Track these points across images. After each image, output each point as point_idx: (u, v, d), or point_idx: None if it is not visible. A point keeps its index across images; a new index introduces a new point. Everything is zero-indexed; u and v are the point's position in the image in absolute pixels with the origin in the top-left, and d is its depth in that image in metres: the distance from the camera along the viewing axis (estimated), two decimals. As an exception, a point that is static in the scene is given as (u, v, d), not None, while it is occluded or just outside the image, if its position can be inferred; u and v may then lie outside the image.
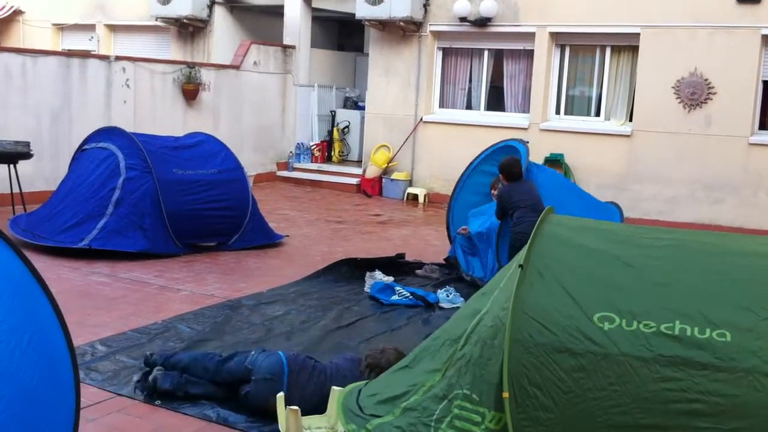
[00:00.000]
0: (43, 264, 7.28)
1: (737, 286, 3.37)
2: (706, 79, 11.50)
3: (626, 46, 12.40)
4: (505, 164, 7.44)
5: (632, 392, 3.15)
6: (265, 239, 9.27)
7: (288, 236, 9.65)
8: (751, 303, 3.26)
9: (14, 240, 7.14)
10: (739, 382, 3.08)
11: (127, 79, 12.32)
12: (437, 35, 13.82)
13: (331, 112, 15.86)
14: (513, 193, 7.22)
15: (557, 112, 13.01)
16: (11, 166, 9.56)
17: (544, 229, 3.76)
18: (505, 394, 3.29)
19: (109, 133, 8.96)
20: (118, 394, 4.74)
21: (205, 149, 9.24)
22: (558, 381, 3.24)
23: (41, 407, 3.27)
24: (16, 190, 9.56)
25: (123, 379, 4.97)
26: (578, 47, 12.88)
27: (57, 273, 7.36)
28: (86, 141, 8.99)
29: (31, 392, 3.20)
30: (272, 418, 4.29)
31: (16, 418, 3.08)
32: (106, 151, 8.63)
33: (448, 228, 8.59)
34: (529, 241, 3.64)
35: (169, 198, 8.40)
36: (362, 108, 15.26)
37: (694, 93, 11.59)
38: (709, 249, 3.67)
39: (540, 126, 12.76)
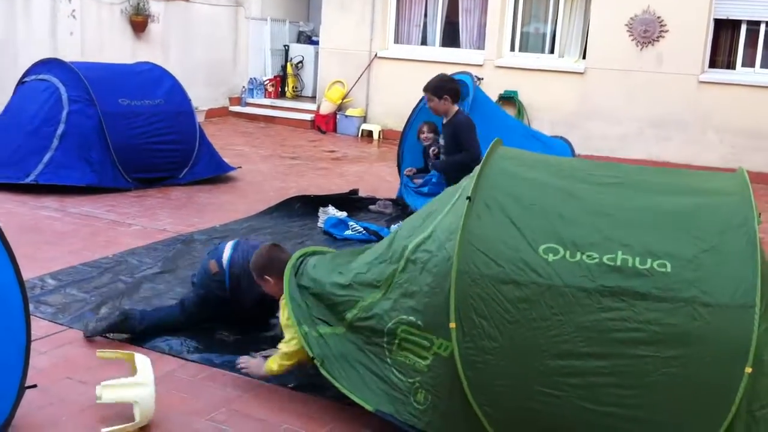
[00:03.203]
0: (-11, 199, 7.17)
1: (679, 218, 3.45)
2: (658, 17, 11.56)
3: (581, -18, 12.38)
4: (447, 81, 6.53)
5: (574, 322, 3.24)
6: (216, 170, 9.20)
7: (240, 167, 9.59)
8: (691, 234, 3.35)
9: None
10: (677, 311, 3.18)
11: (73, 10, 11.95)
12: (392, -32, 13.62)
13: (284, 46, 15.60)
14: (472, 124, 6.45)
15: (512, 49, 12.99)
16: (-47, 98, 9.30)
17: (492, 161, 3.79)
18: (452, 325, 3.36)
19: (48, 64, 8.71)
20: (70, 327, 4.75)
21: (150, 77, 9.07)
22: (503, 312, 3.31)
23: (-9, 340, 3.28)
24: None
25: (74, 312, 4.97)
26: (533, -17, 12.81)
27: (4, 207, 7.25)
28: (26, 74, 8.73)
29: (-20, 325, 3.20)
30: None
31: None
32: (46, 82, 8.42)
33: (398, 166, 8.61)
34: (477, 173, 3.67)
35: (114, 131, 8.26)
36: (316, 43, 15.05)
37: (647, 31, 11.65)
38: (654, 186, 3.74)
39: (495, 63, 12.75)
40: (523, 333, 3.31)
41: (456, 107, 6.56)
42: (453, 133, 6.50)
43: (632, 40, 11.77)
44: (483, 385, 3.37)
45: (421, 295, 3.57)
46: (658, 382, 3.18)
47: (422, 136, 8.06)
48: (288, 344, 4.03)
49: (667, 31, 11.55)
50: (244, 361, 4.28)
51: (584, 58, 12.39)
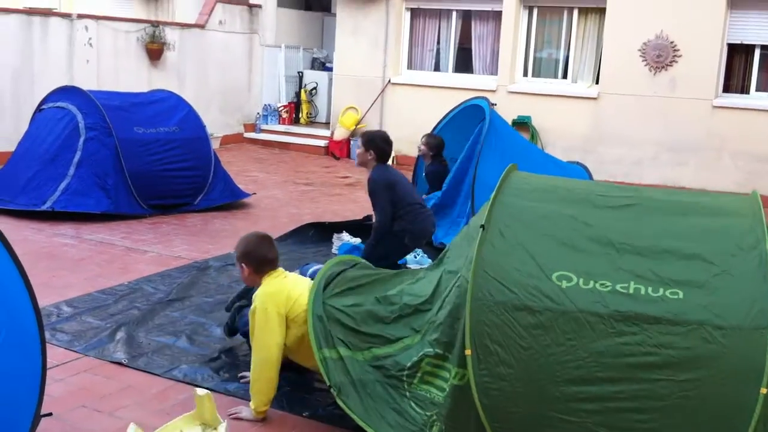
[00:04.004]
0: (6, 226, 7.21)
1: (691, 242, 3.46)
2: (671, 42, 11.59)
3: (593, 8, 12.42)
4: (380, 140, 6.27)
5: (588, 347, 3.25)
6: (231, 197, 9.26)
7: (255, 194, 9.64)
8: (703, 259, 3.36)
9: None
10: (691, 334, 3.19)
11: (90, 38, 12.11)
12: (405, -4, 13.74)
13: (298, 73, 15.73)
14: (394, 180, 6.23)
15: (525, 74, 13.04)
16: (-28, 126, 9.42)
17: (506, 188, 3.80)
18: (468, 351, 3.36)
19: (65, 92, 8.83)
20: (85, 354, 4.76)
21: (166, 105, 9.18)
22: (518, 338, 3.32)
23: (6, 367, 3.28)
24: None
25: (90, 339, 4.98)
26: (546, 9, 12.87)
27: (21, 235, 7.30)
28: (43, 101, 8.87)
29: (-4, 352, 3.21)
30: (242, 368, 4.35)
31: (-19, 378, 3.09)
32: (63, 110, 8.53)
33: (413, 191, 8.63)
34: (490, 201, 3.68)
35: (130, 158, 8.35)
36: (330, 69, 15.16)
37: (660, 55, 11.67)
38: (666, 207, 3.75)
39: (508, 88, 12.79)
40: (538, 359, 3.31)
41: (375, 165, 6.30)
42: (369, 191, 6.34)
43: (645, 65, 11.78)
44: (498, 411, 3.36)
45: (444, 326, 3.58)
46: (674, 406, 3.17)
47: (419, 146, 8.14)
48: (260, 356, 4.02)
49: (680, 56, 11.57)
50: (236, 410, 4.14)
51: (597, 83, 12.41)
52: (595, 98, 12.25)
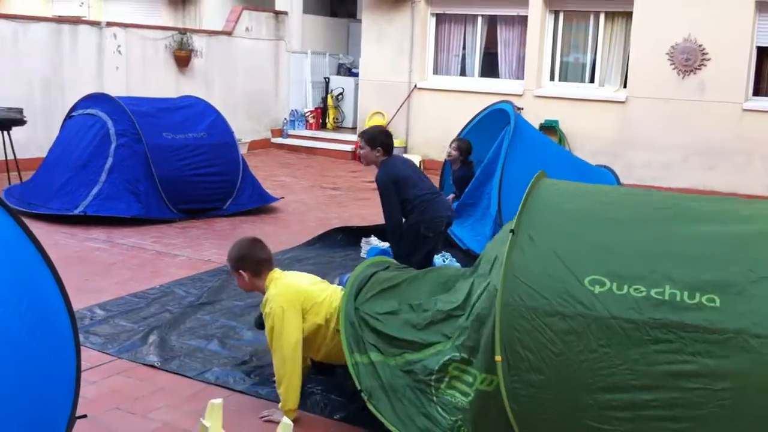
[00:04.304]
0: (39, 231, 7.27)
1: (727, 249, 3.41)
2: (700, 45, 11.50)
3: (620, 12, 12.36)
4: (384, 135, 6.18)
5: (622, 354, 3.21)
6: (259, 201, 9.33)
7: (283, 198, 9.70)
8: (740, 266, 3.30)
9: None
10: (728, 343, 3.13)
11: (119, 46, 12.26)
12: (430, 1, 13.74)
13: (324, 78, 15.80)
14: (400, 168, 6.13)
15: (551, 78, 13.00)
16: (5, 132, 9.57)
17: (536, 192, 3.79)
18: (498, 357, 3.35)
19: (95, 99, 8.98)
20: (118, 357, 4.82)
21: (194, 111, 9.28)
22: (550, 344, 3.29)
23: (42, 370, 3.32)
24: (10, 156, 9.56)
25: (123, 342, 5.04)
26: (572, 13, 12.83)
27: (54, 239, 7.39)
28: (74, 108, 9.02)
29: (32, 355, 3.25)
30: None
31: (18, 380, 3.13)
32: (94, 117, 8.65)
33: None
34: (520, 206, 3.68)
35: (160, 164, 8.45)
36: (356, 74, 15.21)
37: (688, 59, 11.59)
38: (702, 214, 3.70)
39: (534, 92, 12.76)
40: (570, 366, 3.27)
41: (383, 160, 6.15)
42: (379, 190, 6.16)
43: (673, 68, 11.71)
44: (529, 418, 3.35)
45: (471, 330, 3.58)
46: (710, 415, 3.13)
47: (447, 151, 8.12)
48: (281, 357, 4.03)
49: (708, 59, 11.47)
50: (268, 413, 4.18)
51: (625, 86, 12.34)
52: (623, 102, 12.18)
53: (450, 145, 8.22)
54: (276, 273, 4.32)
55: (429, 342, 3.86)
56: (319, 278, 4.53)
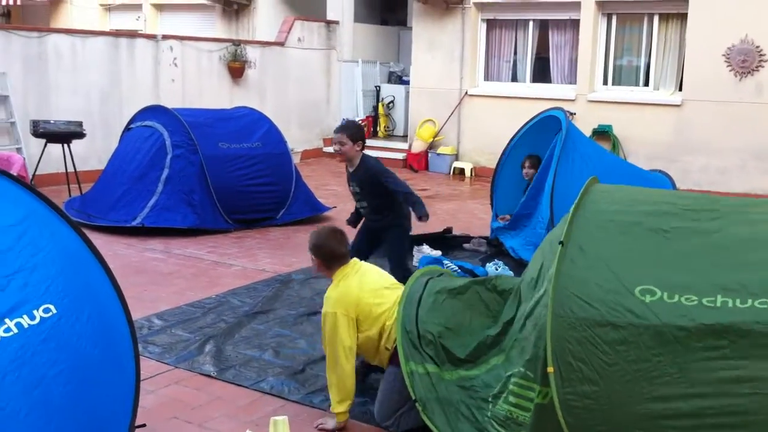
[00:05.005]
0: (98, 241, 7.40)
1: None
2: (757, 47, 11.26)
3: (674, 13, 12.18)
4: (362, 130, 6.38)
5: (675, 362, 3.17)
6: (312, 211, 9.42)
7: (335, 207, 9.77)
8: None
9: (71, 218, 7.33)
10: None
11: (175, 58, 12.50)
12: (481, 7, 13.72)
13: (375, 87, 15.88)
14: None
15: (605, 82, 12.86)
16: (65, 145, 9.82)
17: (586, 202, 3.77)
18: (550, 369, 3.33)
19: (153, 111, 9.18)
20: (176, 366, 4.91)
21: (248, 121, 9.43)
22: (601, 354, 3.27)
23: (102, 379, 3.40)
24: (70, 169, 9.82)
25: (180, 351, 5.14)
26: (625, 16, 12.68)
27: (113, 250, 7.57)
28: (132, 120, 9.24)
29: (93, 364, 3.33)
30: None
31: (79, 389, 3.21)
32: (150, 129, 8.84)
33: (491, 204, 8.61)
34: (569, 215, 3.66)
35: (215, 174, 8.59)
36: (407, 82, 15.25)
37: (746, 61, 11.35)
38: (753, 219, 3.64)
39: (587, 97, 12.64)
40: (624, 376, 3.25)
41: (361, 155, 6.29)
42: (370, 179, 6.21)
43: (730, 70, 11.48)
44: (583, 430, 3.32)
45: (529, 344, 3.57)
46: (766, 421, 3.08)
47: (523, 171, 8.08)
48: (332, 359, 4.07)
49: (766, 60, 11.23)
50: (322, 422, 4.21)
51: (680, 89, 12.14)
52: (678, 105, 11.98)
53: (524, 165, 8.15)
54: (347, 268, 4.32)
55: (484, 358, 3.85)
56: (391, 280, 4.52)
